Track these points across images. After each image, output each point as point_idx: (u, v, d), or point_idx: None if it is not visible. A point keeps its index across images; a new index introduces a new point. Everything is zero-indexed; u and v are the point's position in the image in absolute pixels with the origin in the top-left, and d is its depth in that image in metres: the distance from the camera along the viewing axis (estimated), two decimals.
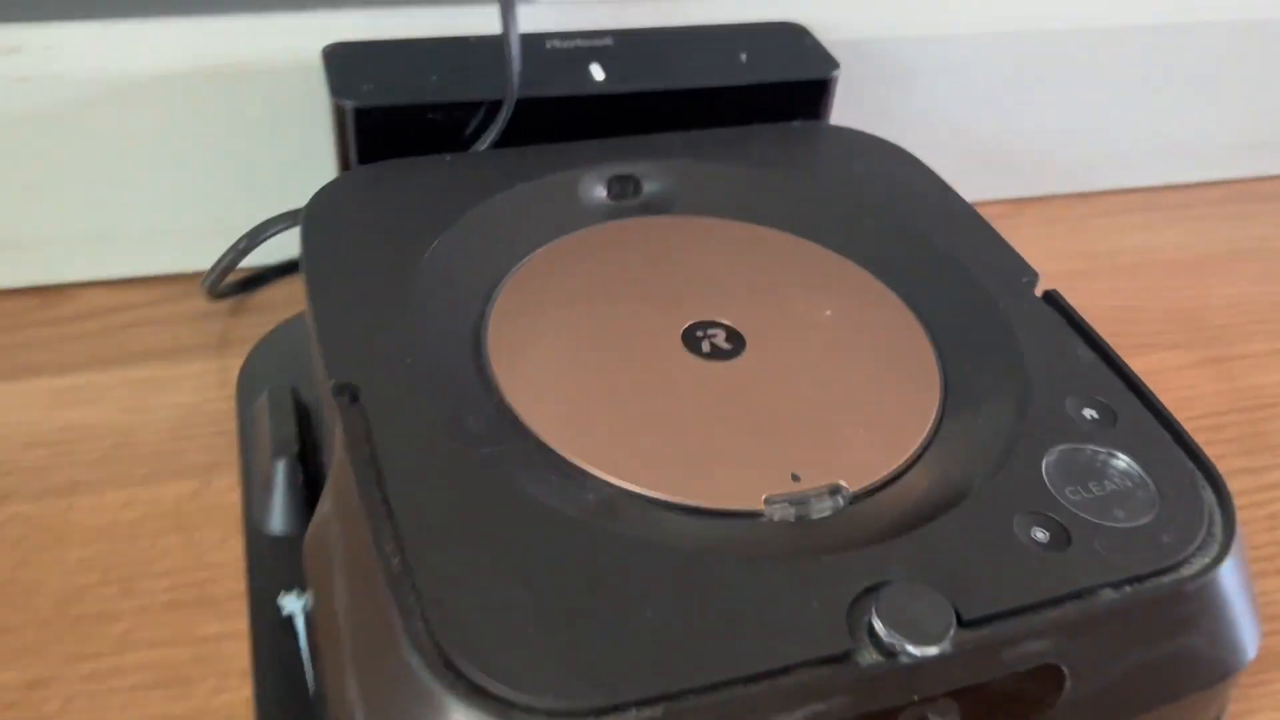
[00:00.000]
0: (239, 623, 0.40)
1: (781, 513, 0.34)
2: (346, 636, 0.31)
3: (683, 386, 0.38)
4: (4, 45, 0.48)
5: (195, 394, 0.49)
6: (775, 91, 0.50)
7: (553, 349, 0.39)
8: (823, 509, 0.34)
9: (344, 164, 0.47)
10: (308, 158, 0.52)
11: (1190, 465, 0.36)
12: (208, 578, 0.41)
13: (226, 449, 0.46)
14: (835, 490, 0.35)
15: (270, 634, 0.38)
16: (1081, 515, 0.33)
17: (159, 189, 0.52)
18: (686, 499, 0.34)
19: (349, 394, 0.35)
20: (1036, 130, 0.65)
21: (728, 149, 0.48)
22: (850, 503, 0.35)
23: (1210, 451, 0.36)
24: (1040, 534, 0.33)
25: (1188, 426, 0.37)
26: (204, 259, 0.52)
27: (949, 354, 0.40)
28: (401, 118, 0.46)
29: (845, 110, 0.54)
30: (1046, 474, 0.35)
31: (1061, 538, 0.33)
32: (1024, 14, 0.60)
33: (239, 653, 0.39)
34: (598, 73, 0.48)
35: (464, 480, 0.32)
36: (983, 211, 0.47)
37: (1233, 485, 0.35)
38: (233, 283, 0.52)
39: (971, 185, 0.63)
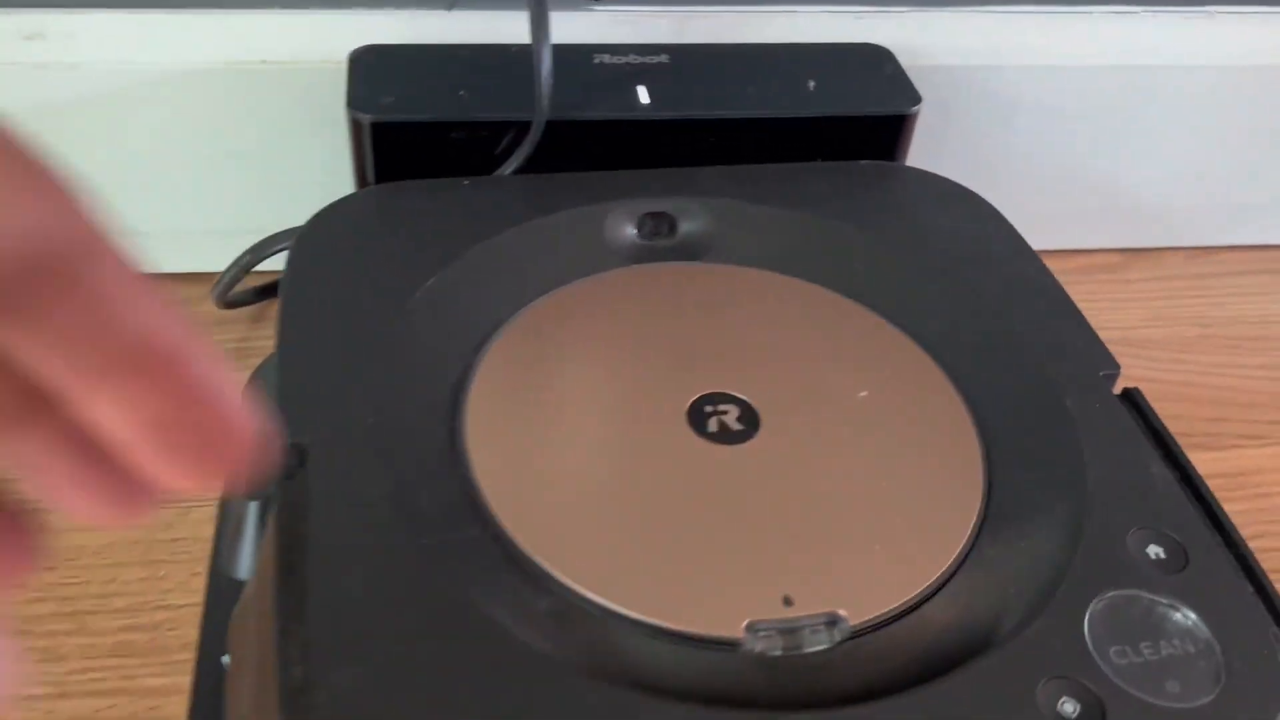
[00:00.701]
0: (185, 678, 0.37)
1: (765, 644, 0.29)
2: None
3: (677, 475, 0.33)
4: (26, 30, 0.45)
5: None
6: (845, 126, 0.45)
7: (538, 418, 0.34)
8: (815, 643, 0.29)
9: (360, 180, 0.43)
10: (337, 164, 0.49)
11: (1272, 628, 0.30)
12: (165, 620, 0.38)
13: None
14: (832, 622, 0.30)
15: (211, 698, 0.35)
16: (1123, 687, 0.28)
17: (179, 186, 0.49)
18: (654, 617, 0.29)
19: (296, 456, 0.31)
20: (1154, 175, 0.58)
21: (780, 189, 0.43)
22: (847, 639, 0.30)
23: None
24: (1069, 707, 0.27)
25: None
26: (228, 261, 0.49)
27: (999, 459, 0.35)
28: (421, 135, 0.42)
29: (930, 146, 0.48)
30: (1090, 627, 0.29)
31: (1094, 715, 0.27)
32: (1145, 45, 0.53)
33: (178, 712, 0.36)
34: (643, 95, 0.44)
35: (399, 577, 0.28)
36: (1086, 262, 0.41)
37: None
38: (251, 289, 0.50)
39: (1075, 232, 0.56)
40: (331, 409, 0.32)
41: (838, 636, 0.29)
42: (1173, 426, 0.35)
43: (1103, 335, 0.38)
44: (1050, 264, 0.41)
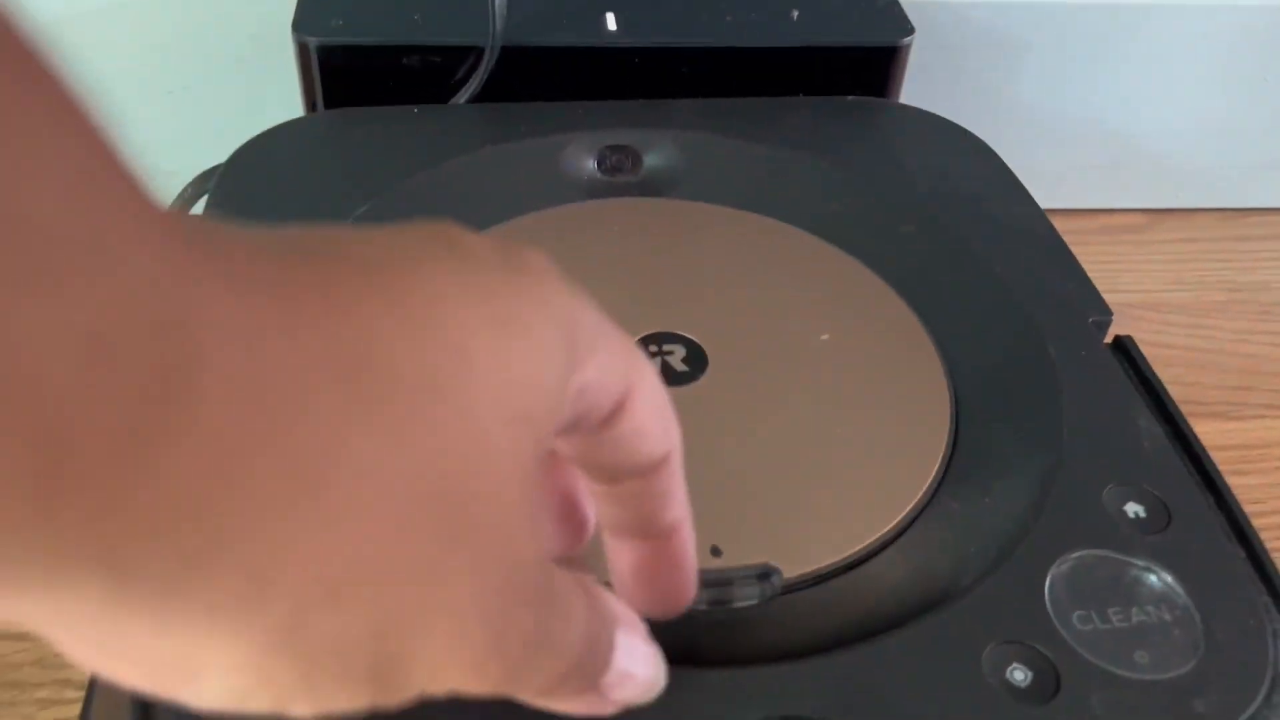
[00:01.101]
0: None
1: None
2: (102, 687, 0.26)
3: None
4: None
5: None
6: (830, 57, 0.42)
7: None
8: (744, 597, 0.27)
9: (309, 108, 0.41)
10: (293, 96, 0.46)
11: (1263, 596, 0.26)
12: None
13: None
14: (764, 574, 0.27)
15: None
16: (1083, 654, 0.25)
17: (122, 124, 0.47)
18: None
19: None
20: (1182, 128, 0.54)
21: (754, 124, 0.40)
22: (780, 594, 0.27)
23: None
24: (1019, 674, 0.24)
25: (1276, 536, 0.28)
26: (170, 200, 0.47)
27: (970, 408, 0.32)
28: (371, 60, 0.40)
29: (927, 91, 0.45)
30: (1051, 589, 0.26)
31: (1046, 683, 0.24)
32: None
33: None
34: (611, 22, 0.41)
35: None
36: (1107, 222, 0.37)
37: None
38: None
39: (1095, 190, 0.53)
40: None
41: (769, 591, 0.27)
42: (1191, 394, 0.32)
43: (1120, 298, 0.35)
44: (1066, 224, 0.38)
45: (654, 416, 0.20)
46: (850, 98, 0.42)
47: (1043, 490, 0.28)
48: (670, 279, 0.35)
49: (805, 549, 0.27)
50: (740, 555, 0.27)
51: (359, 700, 0.15)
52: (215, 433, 0.12)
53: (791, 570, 0.27)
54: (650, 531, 0.21)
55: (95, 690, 0.31)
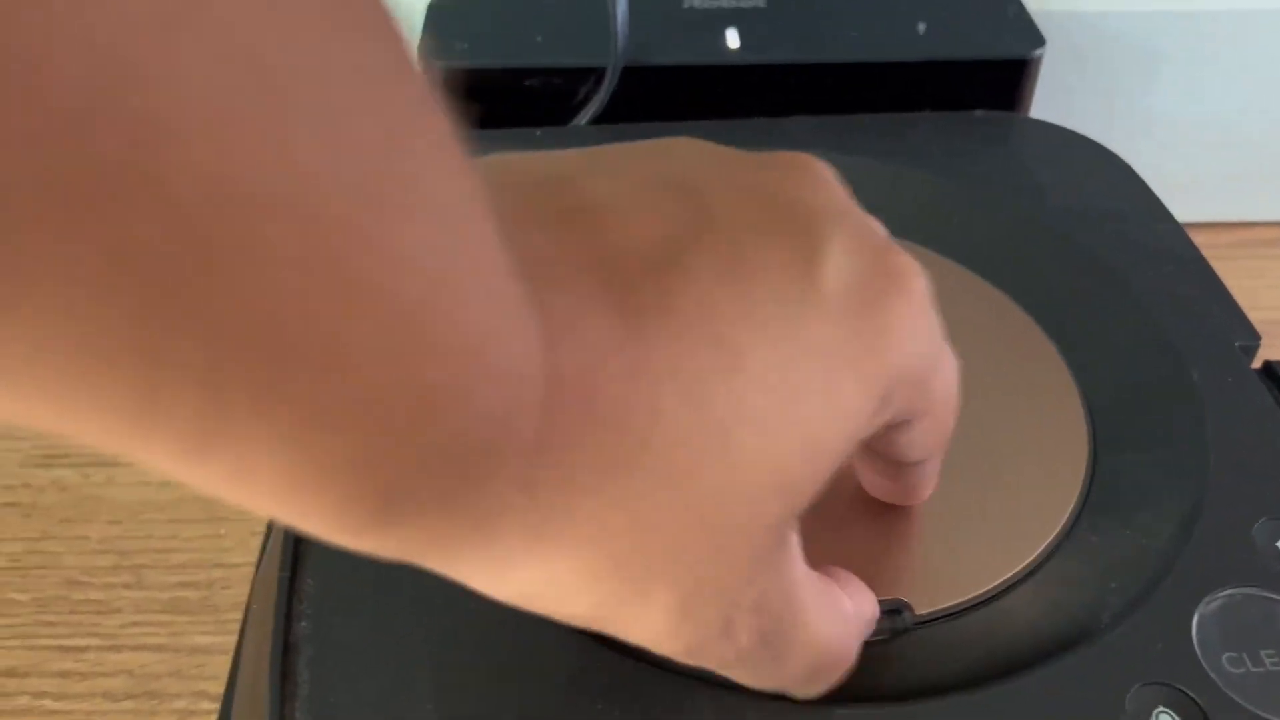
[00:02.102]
0: (232, 638, 0.36)
1: None
2: (239, 702, 0.26)
3: None
4: None
5: None
6: (958, 72, 0.41)
7: None
8: (875, 633, 0.26)
9: None
10: None
11: None
12: (220, 578, 0.38)
13: None
14: (895, 610, 0.26)
15: None
16: (1235, 699, 0.23)
17: None
18: None
19: None
20: None
21: (879, 141, 0.39)
22: (910, 629, 0.26)
23: None
24: (1165, 718, 0.23)
25: None
26: None
27: (1108, 436, 0.30)
28: (494, 82, 0.40)
29: (1059, 102, 0.44)
30: (1199, 629, 0.25)
31: None
32: None
33: (221, 673, 0.35)
34: (733, 39, 0.41)
35: None
36: (1246, 235, 0.36)
37: None
38: None
39: (1232, 202, 0.51)
40: None
41: (900, 626, 0.26)
42: None
43: (1262, 315, 0.33)
44: (1201, 237, 0.36)
45: (934, 436, 0.22)
46: (979, 112, 0.41)
47: (1188, 523, 0.27)
48: None
49: (937, 584, 0.27)
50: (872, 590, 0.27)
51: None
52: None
53: (923, 606, 0.26)
54: (896, 468, 0.24)
55: (231, 700, 0.32)
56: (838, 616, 0.21)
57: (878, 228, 0.20)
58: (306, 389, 0.12)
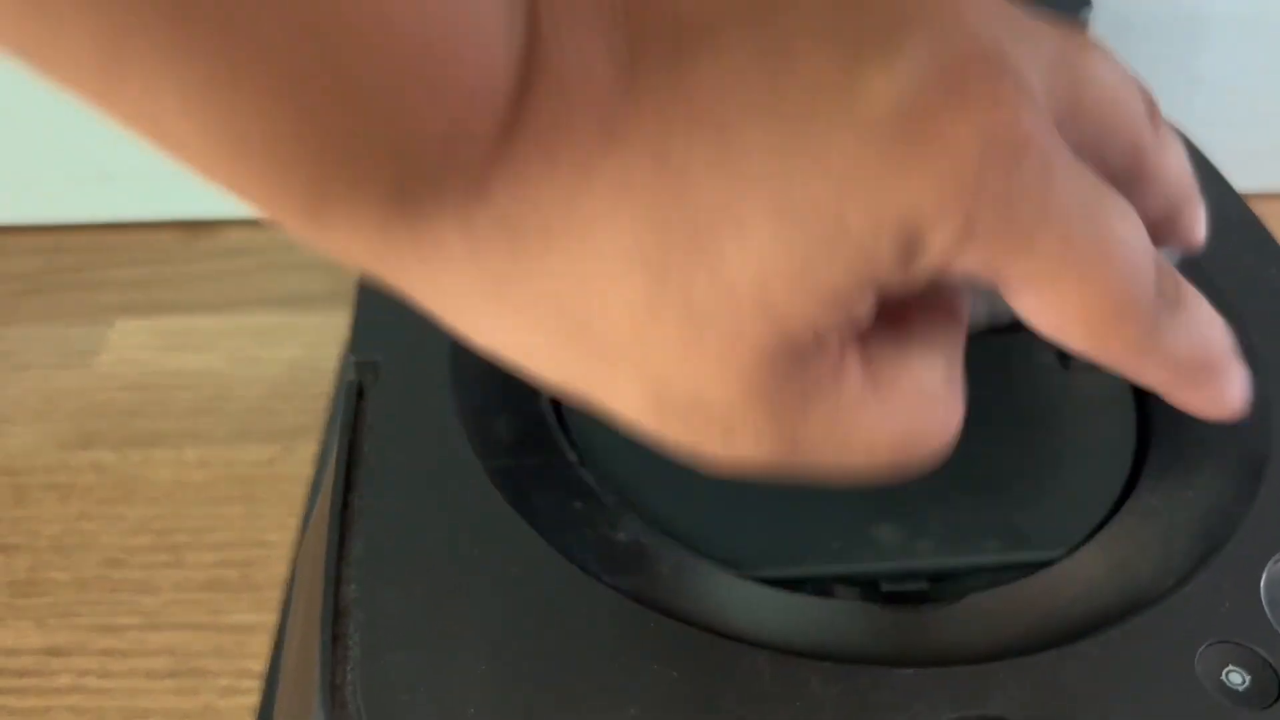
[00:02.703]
0: (273, 616, 0.35)
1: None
2: (287, 669, 0.26)
3: None
4: None
5: (307, 348, 0.45)
6: None
7: None
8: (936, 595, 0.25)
9: None
10: None
11: None
12: (259, 557, 0.37)
13: (321, 413, 0.42)
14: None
15: None
16: None
17: None
18: (739, 557, 0.26)
19: (369, 373, 0.29)
20: None
21: None
22: (973, 592, 0.25)
23: None
24: (1236, 677, 0.23)
25: None
26: None
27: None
28: None
29: None
30: (1268, 587, 0.24)
31: (1267, 687, 0.22)
32: None
33: (263, 651, 0.34)
34: None
35: (462, 500, 0.26)
36: None
37: None
38: None
39: None
40: (407, 327, 0.30)
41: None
42: None
43: None
44: (1262, 208, 0.36)
45: (1075, 308, 0.17)
46: None
47: (1251, 481, 0.27)
48: None
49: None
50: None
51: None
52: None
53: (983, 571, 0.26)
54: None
55: (274, 678, 0.32)
56: (914, 414, 0.18)
57: (986, 33, 0.16)
58: (209, 45, 0.12)
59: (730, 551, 0.26)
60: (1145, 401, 0.30)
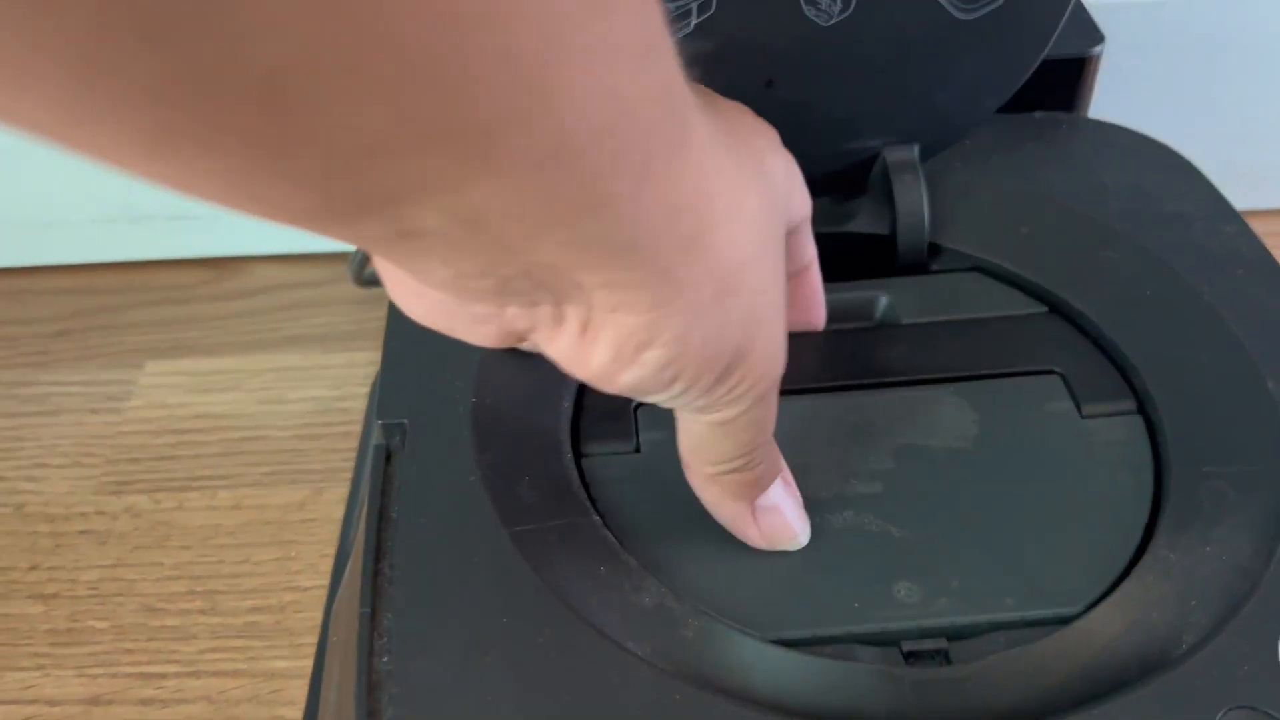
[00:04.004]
0: (308, 662, 0.36)
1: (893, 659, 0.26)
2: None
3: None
4: None
5: (334, 387, 0.46)
6: None
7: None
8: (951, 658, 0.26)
9: None
10: None
11: None
12: (292, 602, 0.38)
13: (349, 453, 0.43)
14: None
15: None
16: None
17: None
18: (762, 621, 0.26)
19: (395, 436, 0.30)
20: None
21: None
22: (990, 654, 0.26)
23: None
24: None
25: None
26: None
27: (1181, 449, 0.30)
28: None
29: (1116, 95, 0.43)
30: None
31: None
32: None
33: (298, 697, 0.35)
34: None
35: (489, 564, 0.26)
36: None
37: None
38: None
39: None
40: (433, 390, 0.31)
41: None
42: None
43: None
44: (1264, 225, 0.36)
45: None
46: (1037, 114, 0.40)
47: (1269, 538, 0.27)
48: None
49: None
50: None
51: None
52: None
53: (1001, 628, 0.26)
54: (793, 269, 0.30)
55: None
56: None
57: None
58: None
59: (751, 613, 0.27)
60: (1161, 451, 0.30)
